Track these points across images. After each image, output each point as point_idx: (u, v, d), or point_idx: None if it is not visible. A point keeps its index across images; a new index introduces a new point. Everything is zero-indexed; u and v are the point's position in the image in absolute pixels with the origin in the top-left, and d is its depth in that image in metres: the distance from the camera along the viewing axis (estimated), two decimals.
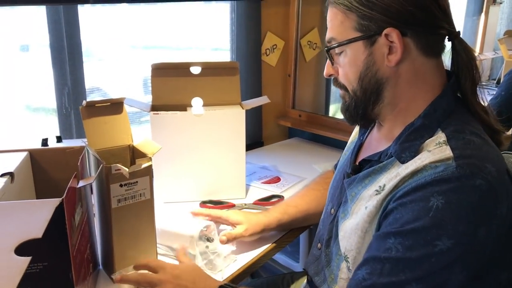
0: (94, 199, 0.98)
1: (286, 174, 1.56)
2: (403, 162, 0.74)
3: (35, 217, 0.58)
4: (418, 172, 0.70)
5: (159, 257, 1.02)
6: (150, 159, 0.94)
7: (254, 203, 1.30)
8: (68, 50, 1.27)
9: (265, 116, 1.93)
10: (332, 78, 0.87)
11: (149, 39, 1.79)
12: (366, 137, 0.95)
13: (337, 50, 0.81)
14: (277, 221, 1.10)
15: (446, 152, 0.69)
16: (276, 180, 1.51)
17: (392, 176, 0.75)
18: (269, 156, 1.76)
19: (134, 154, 1.04)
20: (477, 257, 0.67)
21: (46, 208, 0.60)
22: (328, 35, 0.82)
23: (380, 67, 0.77)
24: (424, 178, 0.68)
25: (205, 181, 1.33)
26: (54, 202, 0.61)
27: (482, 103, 0.80)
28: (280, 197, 1.32)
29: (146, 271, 0.91)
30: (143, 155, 0.97)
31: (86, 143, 0.97)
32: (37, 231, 0.54)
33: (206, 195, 1.33)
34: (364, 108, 0.81)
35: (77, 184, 0.79)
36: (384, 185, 0.75)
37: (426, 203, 0.67)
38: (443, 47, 0.79)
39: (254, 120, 1.86)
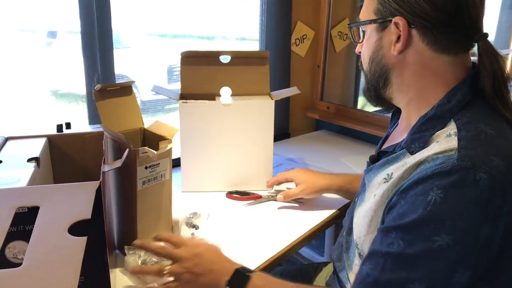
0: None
1: (313, 167, 1.53)
2: (411, 153, 0.74)
3: (78, 199, 0.59)
4: (421, 163, 0.69)
5: None
6: (171, 141, 0.97)
7: None
8: (99, 36, 1.27)
9: (292, 107, 1.90)
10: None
11: (173, 27, 1.78)
12: (392, 130, 0.96)
13: (360, 29, 0.85)
14: (337, 187, 1.20)
15: (452, 143, 0.68)
16: None
17: (400, 165, 0.75)
18: (296, 148, 1.74)
19: (145, 137, 1.06)
20: (482, 256, 0.64)
21: (88, 190, 0.61)
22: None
23: (386, 53, 0.79)
24: (426, 170, 0.67)
25: (231, 172, 1.32)
26: (94, 185, 0.62)
27: None
28: None
29: (167, 244, 0.90)
30: (156, 138, 0.98)
31: (102, 127, 0.98)
32: (85, 212, 0.56)
33: (232, 186, 1.32)
34: (375, 90, 0.85)
35: (104, 168, 0.79)
36: (392, 173, 0.76)
37: (425, 197, 0.65)
38: (463, 45, 0.76)
39: (281, 111, 1.84)
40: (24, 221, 0.63)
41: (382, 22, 0.78)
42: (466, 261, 0.64)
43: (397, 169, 0.75)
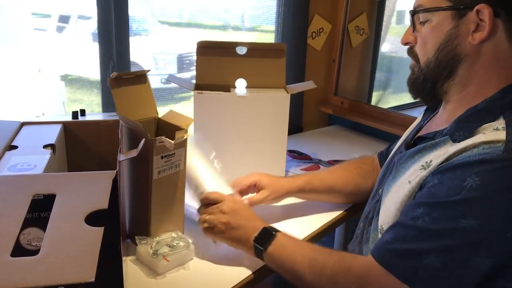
0: None
1: (326, 162, 1.52)
2: (454, 141, 0.73)
3: (95, 188, 0.59)
4: (465, 151, 0.69)
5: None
6: (187, 131, 0.97)
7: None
8: (115, 24, 1.26)
9: (306, 101, 1.89)
10: (407, 47, 0.86)
11: (185, 16, 1.77)
12: (427, 122, 0.94)
13: (422, 18, 0.80)
14: (298, 189, 1.14)
15: (500, 136, 0.68)
16: (315, 168, 1.47)
17: (441, 153, 0.74)
18: (308, 143, 1.72)
19: (158, 127, 1.05)
20: (507, 247, 0.65)
21: (104, 179, 0.61)
22: (417, 2, 0.81)
23: (461, 42, 0.76)
24: (468, 158, 0.68)
25: (243, 164, 1.31)
26: (111, 174, 0.62)
27: None
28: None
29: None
30: (170, 127, 0.98)
31: (118, 116, 0.97)
32: (102, 202, 0.55)
33: None
34: (433, 82, 0.81)
35: (120, 158, 0.78)
36: (431, 161, 0.75)
37: (461, 182, 0.66)
38: None
39: (295, 105, 1.81)
40: (39, 208, 0.62)
41: (462, 9, 0.74)
42: (490, 247, 0.64)
43: (437, 157, 0.74)
